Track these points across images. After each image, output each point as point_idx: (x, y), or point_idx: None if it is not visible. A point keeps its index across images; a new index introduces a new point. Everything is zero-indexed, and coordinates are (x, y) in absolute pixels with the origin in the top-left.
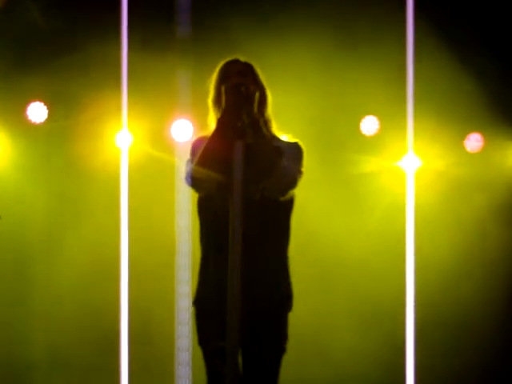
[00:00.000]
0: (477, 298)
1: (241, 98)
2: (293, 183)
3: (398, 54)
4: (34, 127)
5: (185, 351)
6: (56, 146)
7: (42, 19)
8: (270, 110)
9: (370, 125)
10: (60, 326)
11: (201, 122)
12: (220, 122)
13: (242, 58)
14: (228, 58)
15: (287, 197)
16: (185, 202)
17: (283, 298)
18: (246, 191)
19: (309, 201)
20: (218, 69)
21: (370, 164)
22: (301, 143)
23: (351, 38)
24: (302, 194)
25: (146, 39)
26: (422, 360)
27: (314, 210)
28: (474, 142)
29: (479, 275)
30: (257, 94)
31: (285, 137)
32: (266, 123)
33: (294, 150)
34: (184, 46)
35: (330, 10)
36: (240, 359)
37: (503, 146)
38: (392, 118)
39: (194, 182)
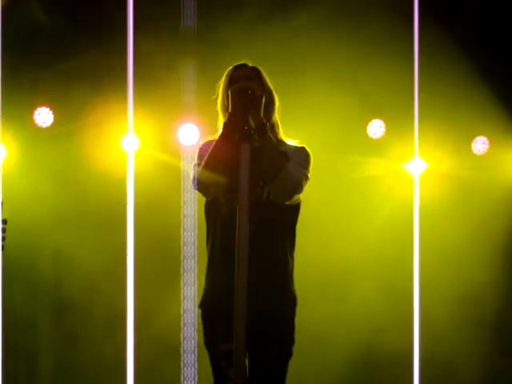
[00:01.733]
0: (481, 298)
1: (247, 101)
2: (298, 188)
3: (404, 57)
4: (41, 131)
5: (190, 353)
6: (62, 150)
7: (48, 23)
8: (277, 115)
9: (376, 128)
10: (66, 332)
11: (207, 125)
12: (226, 126)
13: (250, 63)
14: (236, 63)
15: (293, 201)
16: (191, 206)
17: (289, 301)
18: (252, 195)
19: (315, 203)
20: (226, 73)
21: (377, 167)
22: (308, 148)
23: (358, 42)
24: (308, 196)
25: (151, 42)
26: None
27: (320, 213)
28: (480, 144)
29: (486, 277)
30: (263, 99)
31: (292, 142)
32: (273, 127)
33: (301, 155)
34: (190, 48)
35: (337, 13)
36: (246, 362)
37: (509, 149)
38: (398, 121)
39: (201, 185)
